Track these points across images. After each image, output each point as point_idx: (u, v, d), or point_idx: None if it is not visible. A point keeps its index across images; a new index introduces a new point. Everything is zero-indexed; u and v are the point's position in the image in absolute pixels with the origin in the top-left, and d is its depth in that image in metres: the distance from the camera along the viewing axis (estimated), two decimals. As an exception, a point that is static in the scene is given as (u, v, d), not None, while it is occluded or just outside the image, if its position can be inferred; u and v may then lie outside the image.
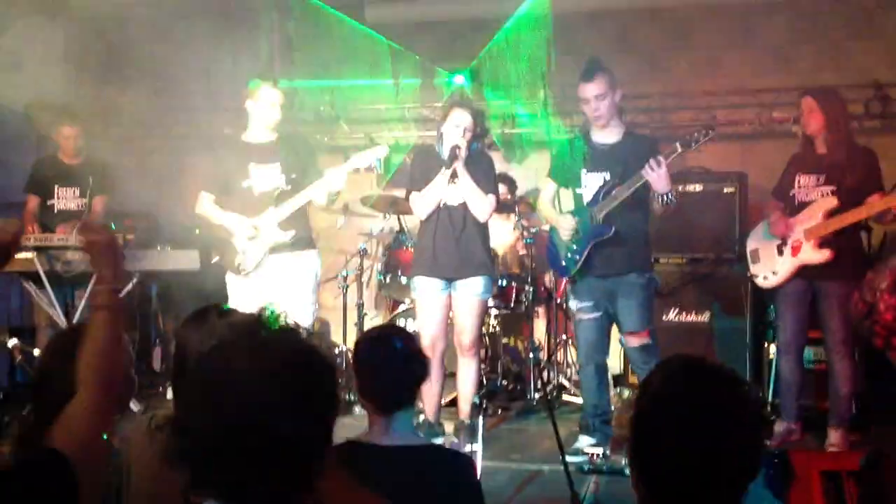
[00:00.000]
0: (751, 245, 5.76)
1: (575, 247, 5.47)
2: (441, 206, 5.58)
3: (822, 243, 5.34)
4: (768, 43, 7.69)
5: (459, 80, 7.95)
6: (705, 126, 5.29)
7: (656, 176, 5.07)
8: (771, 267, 5.58)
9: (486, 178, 5.64)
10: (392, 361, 2.79)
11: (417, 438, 2.87)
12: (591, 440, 5.43)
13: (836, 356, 5.39)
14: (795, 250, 5.44)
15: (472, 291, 5.60)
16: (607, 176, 5.38)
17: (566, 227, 5.50)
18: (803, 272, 5.44)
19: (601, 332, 5.53)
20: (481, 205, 5.56)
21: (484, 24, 7.84)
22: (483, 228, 5.68)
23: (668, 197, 5.16)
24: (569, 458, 5.37)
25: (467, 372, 5.69)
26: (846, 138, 5.45)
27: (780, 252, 5.52)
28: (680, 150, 5.16)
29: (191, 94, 8.65)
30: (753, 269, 5.71)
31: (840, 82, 7.14)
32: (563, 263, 5.57)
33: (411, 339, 2.90)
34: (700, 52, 7.87)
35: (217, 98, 8.56)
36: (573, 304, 5.58)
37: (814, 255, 5.36)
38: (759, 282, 5.67)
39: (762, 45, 7.69)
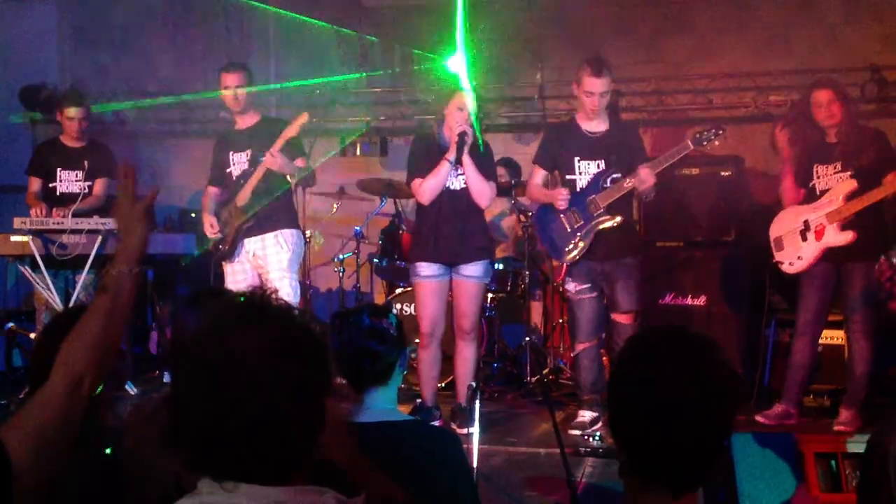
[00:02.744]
0: (774, 233, 5.75)
1: (579, 234, 5.58)
2: (443, 190, 5.60)
3: (845, 225, 5.40)
4: (765, 26, 7.68)
5: (454, 63, 7.91)
6: (716, 126, 5.45)
7: (646, 186, 5.40)
8: (796, 253, 5.59)
9: (487, 164, 5.68)
10: (358, 339, 2.78)
11: (396, 415, 2.83)
12: (594, 413, 5.54)
13: (856, 335, 5.46)
14: (819, 234, 5.48)
15: (473, 275, 5.63)
16: (602, 164, 5.55)
17: (562, 196, 5.57)
18: (828, 255, 5.48)
19: (600, 310, 5.68)
20: (484, 191, 5.60)
21: (481, 8, 7.81)
22: (482, 212, 5.72)
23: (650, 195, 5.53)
24: (574, 431, 5.49)
25: (466, 355, 5.70)
26: (856, 122, 5.58)
27: (804, 238, 5.55)
28: (692, 146, 5.38)
29: (186, 78, 8.63)
30: (778, 256, 5.70)
31: (837, 66, 7.14)
32: (567, 249, 5.64)
33: (382, 318, 2.87)
34: (697, 35, 7.85)
35: (210, 83, 8.55)
36: (571, 287, 5.67)
37: (838, 237, 5.41)
38: (785, 268, 5.66)
39: (759, 29, 7.68)
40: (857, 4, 7.43)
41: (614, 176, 5.49)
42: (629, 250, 5.63)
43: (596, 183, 5.53)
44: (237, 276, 5.98)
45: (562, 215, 5.62)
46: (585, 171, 5.58)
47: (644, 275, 5.84)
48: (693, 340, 1.81)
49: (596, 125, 5.62)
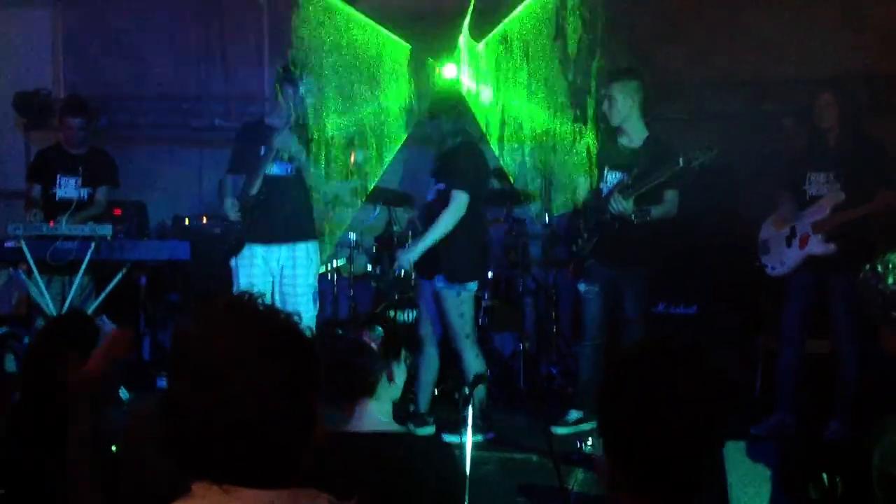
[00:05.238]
0: (762, 235, 5.83)
1: (586, 235, 5.78)
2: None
3: (830, 237, 5.41)
4: (758, 33, 7.68)
5: (450, 70, 7.93)
6: (707, 145, 5.45)
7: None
8: (779, 258, 5.66)
9: (459, 173, 5.69)
10: (340, 352, 2.79)
11: (388, 426, 2.84)
12: (579, 414, 5.61)
13: (842, 347, 5.47)
14: (803, 242, 5.52)
15: (439, 286, 5.66)
16: (625, 178, 5.67)
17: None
18: (812, 265, 5.50)
19: (605, 311, 5.79)
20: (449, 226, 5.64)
21: (475, 15, 7.82)
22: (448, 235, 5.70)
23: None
24: (557, 429, 5.62)
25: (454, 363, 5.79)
26: (856, 133, 5.58)
27: (789, 244, 5.60)
28: (682, 164, 5.40)
29: (182, 82, 8.63)
30: (763, 259, 5.79)
31: (829, 73, 7.17)
32: (574, 249, 5.88)
33: (365, 331, 2.85)
34: (690, 42, 7.86)
35: (207, 86, 8.55)
36: (581, 287, 5.83)
37: (821, 247, 5.45)
38: (768, 271, 5.76)
39: (753, 36, 7.69)
40: (851, 12, 7.45)
41: (628, 190, 5.55)
42: (642, 260, 5.68)
43: (610, 194, 5.64)
44: (255, 280, 5.70)
45: (581, 218, 5.88)
46: (611, 181, 5.73)
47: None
48: (685, 354, 1.81)
49: (628, 139, 5.76)
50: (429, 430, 5.63)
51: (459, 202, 5.54)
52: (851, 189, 5.40)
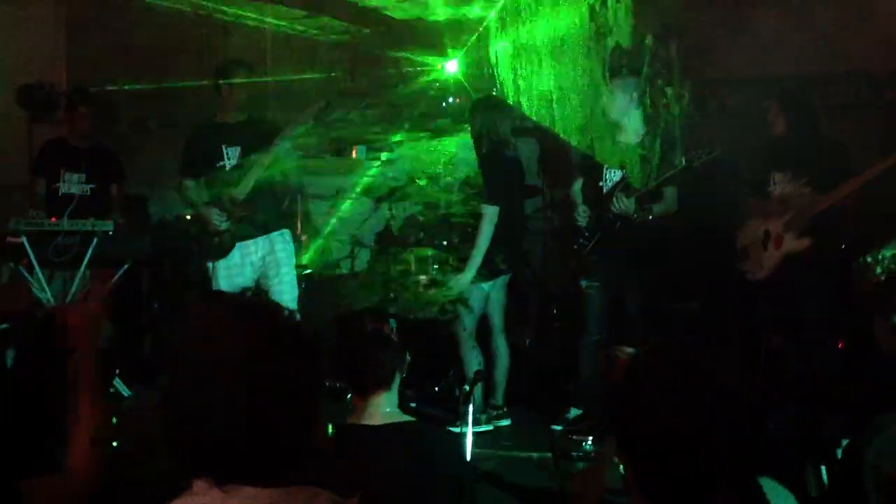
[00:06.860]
0: (739, 243, 5.82)
1: (587, 233, 5.81)
2: None
3: (802, 233, 5.42)
4: (760, 31, 7.67)
5: (452, 66, 7.94)
6: (710, 145, 5.51)
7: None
8: (759, 262, 5.65)
9: (486, 187, 5.86)
10: (362, 346, 2.81)
11: (399, 416, 2.86)
12: (579, 411, 5.65)
13: (816, 343, 5.46)
14: (777, 243, 5.52)
15: None
16: (625, 175, 5.71)
17: (581, 217, 5.87)
18: (790, 265, 5.51)
19: (606, 308, 5.82)
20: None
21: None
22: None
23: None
24: (555, 427, 5.74)
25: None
26: (814, 134, 5.62)
27: (765, 247, 5.60)
28: (684, 164, 5.47)
29: (184, 76, 8.63)
30: (743, 266, 5.78)
31: (832, 71, 7.17)
32: (575, 248, 5.93)
33: (384, 323, 2.89)
34: (692, 39, 7.84)
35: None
36: (582, 283, 5.89)
37: (796, 244, 5.45)
38: (750, 277, 5.74)
39: (752, 35, 7.67)
40: (850, 10, 7.44)
41: (630, 190, 5.61)
42: (643, 258, 5.69)
43: (611, 193, 5.68)
44: (235, 280, 5.73)
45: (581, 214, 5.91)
46: (610, 178, 5.76)
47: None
48: (690, 356, 1.82)
49: (626, 135, 5.76)
50: (505, 422, 5.89)
51: (488, 217, 5.76)
52: (814, 184, 5.43)
